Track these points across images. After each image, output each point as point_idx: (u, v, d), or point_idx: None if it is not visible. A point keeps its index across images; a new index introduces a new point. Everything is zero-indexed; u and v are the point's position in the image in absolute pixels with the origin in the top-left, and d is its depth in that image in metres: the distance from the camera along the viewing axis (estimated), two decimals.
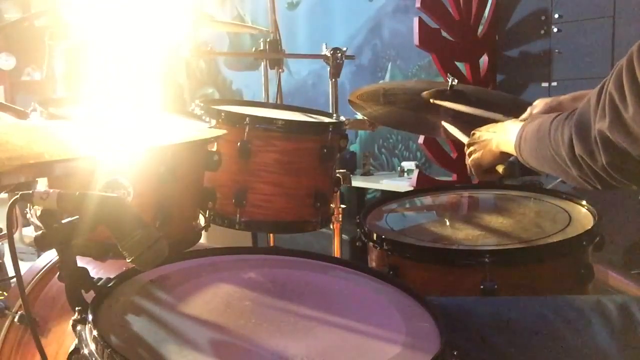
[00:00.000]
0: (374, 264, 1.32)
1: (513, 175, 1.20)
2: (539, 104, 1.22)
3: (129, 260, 0.76)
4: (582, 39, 2.80)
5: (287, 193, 1.33)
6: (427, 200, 1.64)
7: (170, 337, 0.75)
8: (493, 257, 1.16)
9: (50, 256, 1.38)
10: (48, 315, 1.23)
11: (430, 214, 1.59)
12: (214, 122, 1.26)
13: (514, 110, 1.73)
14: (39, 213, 0.77)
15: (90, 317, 0.75)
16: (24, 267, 1.05)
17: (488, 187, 1.71)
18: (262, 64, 2.18)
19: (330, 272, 1.03)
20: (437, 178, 3.31)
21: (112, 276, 0.87)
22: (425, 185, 2.89)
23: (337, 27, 4.27)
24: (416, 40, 2.99)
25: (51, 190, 0.76)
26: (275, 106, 1.81)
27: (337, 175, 1.49)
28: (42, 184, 1.03)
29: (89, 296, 0.81)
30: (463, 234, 1.31)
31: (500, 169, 1.19)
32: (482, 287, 1.13)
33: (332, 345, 0.77)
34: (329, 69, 1.74)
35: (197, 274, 0.95)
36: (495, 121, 1.32)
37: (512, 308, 0.99)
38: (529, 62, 3.04)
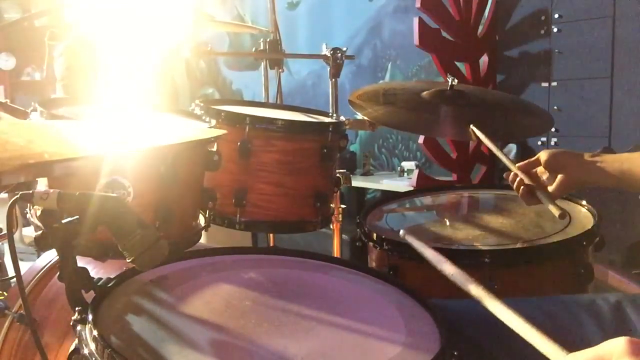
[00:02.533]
0: (374, 264, 1.32)
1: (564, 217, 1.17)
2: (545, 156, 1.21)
3: (129, 260, 0.76)
4: (582, 39, 2.80)
5: (287, 193, 1.33)
6: (427, 200, 1.64)
7: (170, 337, 0.75)
8: (493, 257, 1.16)
9: (50, 256, 1.38)
10: (48, 315, 1.23)
11: (430, 214, 1.59)
12: (214, 122, 1.26)
13: (514, 110, 1.73)
14: (39, 213, 0.77)
15: (90, 317, 0.75)
16: (24, 267, 1.05)
17: (488, 187, 1.71)
18: (262, 64, 2.18)
19: (330, 272, 1.03)
20: (437, 178, 3.31)
21: (112, 276, 0.87)
22: (425, 185, 2.89)
23: (337, 27, 4.27)
24: (416, 40, 2.99)
25: (51, 190, 0.76)
26: (275, 106, 1.81)
27: (337, 175, 1.49)
28: (42, 184, 1.03)
29: (89, 296, 0.81)
30: (463, 234, 1.31)
31: (556, 212, 1.12)
32: (481, 287, 1.13)
33: (332, 345, 0.77)
34: (329, 69, 1.74)
35: (197, 274, 0.95)
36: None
37: None
38: (529, 62, 3.04)
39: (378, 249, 1.28)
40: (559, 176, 1.18)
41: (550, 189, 1.19)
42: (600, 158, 1.16)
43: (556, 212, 1.12)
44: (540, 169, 1.22)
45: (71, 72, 2.43)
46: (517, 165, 1.24)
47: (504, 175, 1.28)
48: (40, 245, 0.77)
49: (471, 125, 1.43)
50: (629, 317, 0.92)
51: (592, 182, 1.17)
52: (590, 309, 0.94)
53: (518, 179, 1.22)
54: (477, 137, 1.42)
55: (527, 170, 1.23)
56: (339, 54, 1.72)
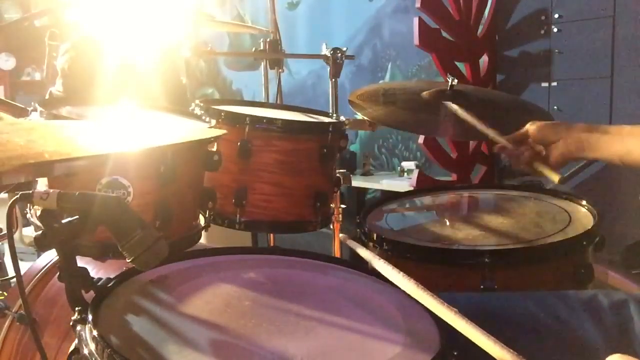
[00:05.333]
0: None
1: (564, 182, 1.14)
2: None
3: (129, 261, 0.76)
4: (582, 39, 2.80)
5: (287, 193, 1.33)
6: (427, 200, 1.64)
7: (170, 337, 0.75)
8: (493, 257, 1.16)
9: (50, 256, 1.38)
10: (48, 315, 1.23)
11: (430, 214, 1.59)
12: (214, 122, 1.26)
13: (514, 110, 1.73)
14: (39, 213, 0.77)
15: (90, 317, 0.75)
16: (24, 267, 1.05)
17: (488, 187, 1.71)
18: (262, 64, 2.18)
19: (330, 272, 1.03)
20: (437, 178, 3.31)
21: (112, 276, 0.87)
22: (425, 185, 2.89)
23: (337, 27, 4.27)
24: (416, 40, 2.99)
25: (51, 190, 0.76)
26: (275, 106, 1.81)
27: (337, 175, 1.49)
28: (42, 184, 1.03)
29: (89, 296, 0.81)
30: (463, 234, 1.31)
31: (556, 178, 1.11)
32: (482, 287, 1.14)
33: (332, 345, 0.77)
34: (329, 69, 1.74)
35: (197, 274, 0.94)
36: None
37: (504, 305, 0.99)
38: (529, 62, 3.04)
39: (378, 249, 1.28)
40: (552, 148, 1.15)
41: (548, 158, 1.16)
42: (597, 134, 1.11)
43: (555, 178, 1.10)
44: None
45: (74, 71, 2.43)
46: (505, 137, 1.21)
47: (495, 148, 1.24)
48: (40, 245, 0.76)
49: (446, 102, 1.39)
50: (630, 316, 0.92)
51: (591, 158, 1.13)
52: (590, 304, 0.94)
53: (510, 150, 1.19)
54: (454, 113, 1.37)
55: (518, 142, 1.20)
56: (339, 54, 1.72)
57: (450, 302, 0.96)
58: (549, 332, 0.92)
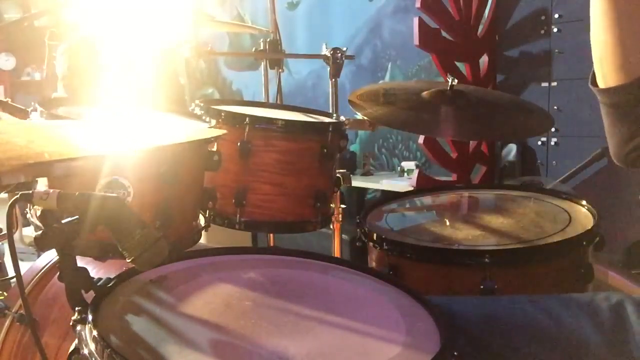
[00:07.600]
0: (374, 264, 1.32)
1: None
2: None
3: (129, 260, 0.76)
4: (582, 39, 2.79)
5: (287, 193, 1.33)
6: (427, 200, 1.64)
7: (170, 337, 0.75)
8: (493, 257, 1.16)
9: (50, 256, 1.38)
10: (48, 315, 1.23)
11: (430, 214, 1.59)
12: (214, 122, 1.26)
13: (514, 110, 1.73)
14: (39, 213, 0.77)
15: (90, 317, 0.75)
16: (24, 267, 1.05)
17: (488, 187, 1.71)
18: (262, 64, 2.18)
19: (330, 272, 1.03)
20: (437, 178, 3.31)
21: (112, 276, 0.87)
22: (425, 185, 2.89)
23: (337, 27, 4.27)
24: (416, 40, 2.99)
25: (51, 190, 0.76)
26: (275, 106, 1.81)
27: (337, 175, 1.49)
28: (42, 184, 1.03)
29: (89, 296, 0.81)
30: (463, 234, 1.31)
31: None
32: (482, 287, 1.14)
33: (332, 345, 0.77)
34: (329, 69, 1.74)
35: (197, 274, 0.95)
36: None
37: (504, 309, 0.99)
38: (529, 62, 3.04)
39: (378, 249, 1.28)
40: None
41: None
42: None
43: None
44: None
45: (73, 72, 2.44)
46: None
47: None
48: (40, 245, 0.77)
49: None
50: (628, 317, 0.91)
51: None
52: (590, 307, 0.94)
53: None
54: None
55: None
56: (339, 54, 1.72)
57: (450, 306, 0.96)
58: (549, 335, 0.92)
